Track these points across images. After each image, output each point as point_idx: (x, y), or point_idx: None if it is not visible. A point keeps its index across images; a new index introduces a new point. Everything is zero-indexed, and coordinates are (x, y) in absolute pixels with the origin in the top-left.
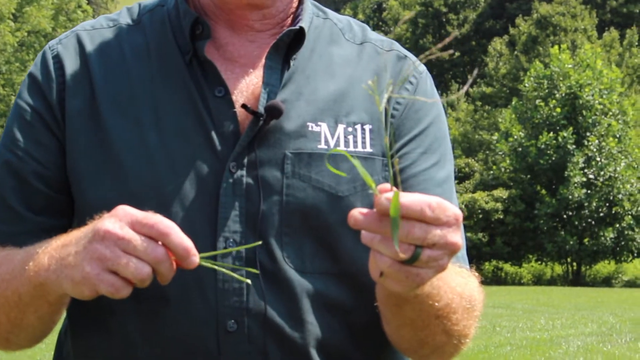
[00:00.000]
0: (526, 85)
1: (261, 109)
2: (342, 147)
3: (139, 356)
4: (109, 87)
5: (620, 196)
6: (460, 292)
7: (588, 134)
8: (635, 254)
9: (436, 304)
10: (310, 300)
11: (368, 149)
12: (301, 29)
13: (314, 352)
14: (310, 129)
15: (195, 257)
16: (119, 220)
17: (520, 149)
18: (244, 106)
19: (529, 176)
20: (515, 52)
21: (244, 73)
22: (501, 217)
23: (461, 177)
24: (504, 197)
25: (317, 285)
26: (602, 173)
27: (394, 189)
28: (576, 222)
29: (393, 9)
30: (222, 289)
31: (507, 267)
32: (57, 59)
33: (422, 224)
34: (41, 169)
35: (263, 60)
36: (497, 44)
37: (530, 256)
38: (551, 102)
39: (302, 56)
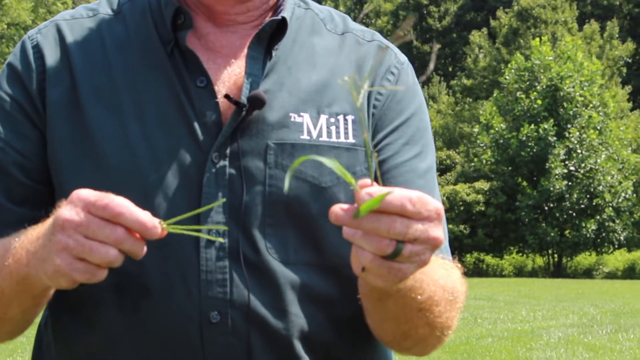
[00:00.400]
0: (507, 77)
1: (244, 100)
2: (324, 138)
3: (120, 348)
4: (90, 77)
5: (600, 188)
6: (442, 284)
7: (569, 126)
8: (616, 246)
9: (419, 297)
10: (294, 292)
11: (351, 140)
12: (283, 19)
13: (297, 344)
14: (292, 119)
15: (156, 229)
16: (75, 207)
17: (501, 141)
18: (226, 96)
19: (510, 168)
20: (496, 45)
21: (225, 63)
22: (482, 209)
23: (442, 169)
24: (485, 189)
25: (301, 276)
26: (582, 165)
27: (374, 183)
28: (557, 214)
29: (374, 1)
30: (205, 280)
31: (489, 259)
32: (37, 49)
33: (403, 219)
34: (22, 159)
35: (245, 51)
36: (476, 37)
37: (512, 248)
38: (532, 94)
39: (283, 46)
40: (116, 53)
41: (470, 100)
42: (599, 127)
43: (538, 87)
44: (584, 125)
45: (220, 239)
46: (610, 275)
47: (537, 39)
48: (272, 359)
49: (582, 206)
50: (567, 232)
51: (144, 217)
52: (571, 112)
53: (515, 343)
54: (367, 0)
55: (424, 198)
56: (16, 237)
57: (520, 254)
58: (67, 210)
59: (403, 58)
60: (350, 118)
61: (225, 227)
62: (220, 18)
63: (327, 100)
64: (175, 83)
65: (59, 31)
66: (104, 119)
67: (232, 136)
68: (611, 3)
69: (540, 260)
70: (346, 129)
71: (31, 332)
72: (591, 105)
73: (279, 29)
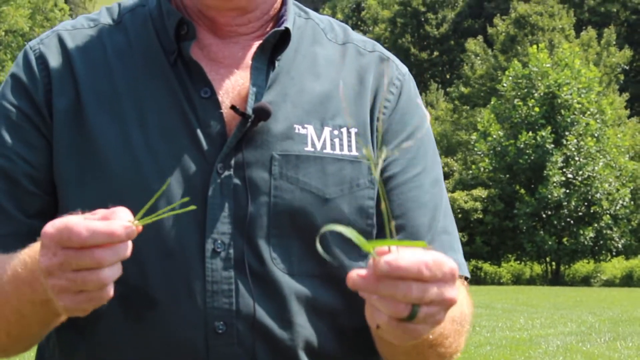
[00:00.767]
0: (504, 84)
1: (249, 111)
2: (328, 150)
3: (125, 358)
4: (92, 85)
5: (598, 195)
6: (452, 316)
7: (567, 133)
8: (614, 253)
9: (430, 336)
10: (299, 303)
11: (354, 152)
12: (287, 30)
13: (302, 355)
14: (297, 131)
15: (129, 231)
16: (48, 249)
17: (499, 149)
18: (233, 107)
19: (507, 176)
20: (494, 52)
21: (229, 74)
22: (480, 216)
23: None
24: (483, 196)
25: (305, 287)
26: (580, 172)
27: (391, 248)
28: (555, 222)
29: (372, 8)
30: (210, 291)
31: (487, 267)
32: (41, 59)
33: (419, 284)
34: (32, 170)
35: (248, 61)
36: (472, 45)
37: (510, 256)
38: (530, 102)
39: (286, 57)
40: (118, 62)
41: (468, 107)
42: (596, 135)
43: (535, 95)
44: (581, 132)
45: (193, 206)
46: (608, 283)
47: (535, 46)
48: None
49: (580, 214)
50: (565, 239)
51: (112, 227)
52: (569, 120)
53: (513, 351)
54: (365, 7)
55: (439, 260)
56: (24, 259)
57: (518, 262)
58: (44, 257)
59: (404, 69)
60: (353, 131)
61: (186, 199)
62: (222, 29)
63: (330, 112)
64: (178, 93)
65: (61, 41)
66: (106, 126)
67: (236, 147)
68: (608, 10)
69: (538, 268)
70: (349, 141)
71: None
72: (589, 112)
73: (282, 39)
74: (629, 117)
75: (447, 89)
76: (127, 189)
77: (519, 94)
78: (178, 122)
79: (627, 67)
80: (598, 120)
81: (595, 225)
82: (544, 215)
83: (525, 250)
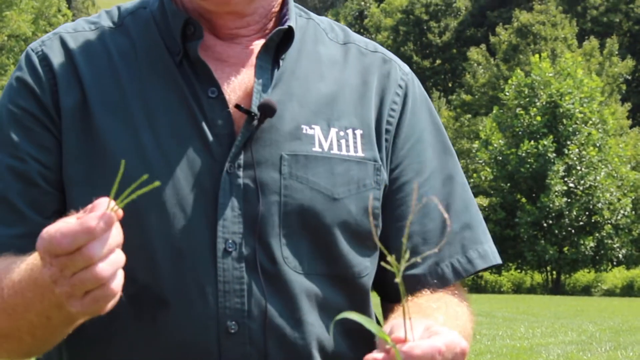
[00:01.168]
0: (507, 93)
1: (254, 109)
2: (335, 151)
3: (137, 359)
4: (99, 88)
5: (600, 205)
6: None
7: (568, 142)
8: (615, 263)
9: None
10: (310, 301)
11: (360, 153)
12: (290, 29)
13: (314, 353)
14: (304, 131)
15: (107, 219)
16: (45, 261)
17: (500, 158)
18: (237, 106)
19: (509, 184)
20: (496, 61)
21: (234, 73)
22: None
23: None
24: (484, 205)
25: (315, 286)
26: (582, 182)
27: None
28: (556, 231)
29: (374, 16)
30: (222, 291)
31: (487, 275)
32: (45, 61)
33: None
34: (46, 171)
35: (252, 60)
36: (474, 53)
37: (510, 264)
38: (532, 111)
39: (289, 56)
40: (122, 64)
41: (470, 116)
42: (598, 144)
43: (538, 104)
44: (583, 142)
45: (157, 183)
46: (609, 293)
47: (537, 55)
48: None
49: (581, 223)
50: (565, 249)
51: (85, 224)
52: (570, 129)
53: None
54: (368, 15)
55: (451, 344)
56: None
57: (519, 271)
58: (44, 268)
59: (406, 68)
60: (358, 133)
61: (145, 177)
62: (222, 31)
63: (336, 113)
64: (185, 93)
65: (64, 43)
66: (115, 130)
67: (244, 146)
68: (611, 20)
69: (538, 277)
70: (355, 142)
71: None
72: (590, 122)
73: (285, 38)
74: (631, 127)
75: (449, 97)
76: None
77: (521, 102)
78: (186, 122)
79: (630, 77)
80: (600, 130)
81: (597, 234)
82: (545, 225)
83: (526, 259)
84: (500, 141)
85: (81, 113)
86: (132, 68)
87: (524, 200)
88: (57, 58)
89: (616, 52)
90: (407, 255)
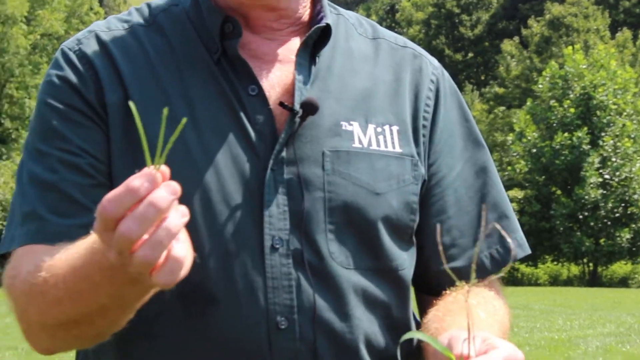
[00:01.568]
0: (540, 85)
1: (297, 106)
2: (374, 147)
3: (184, 356)
4: (139, 86)
5: (635, 197)
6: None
7: (603, 134)
8: None
9: None
10: (356, 296)
11: (398, 149)
12: (328, 26)
13: (362, 347)
14: (343, 127)
15: (142, 179)
16: (106, 243)
17: (534, 150)
18: (281, 104)
19: (544, 177)
20: (528, 53)
21: (271, 70)
22: (517, 217)
23: None
24: (519, 197)
25: (361, 281)
26: (617, 173)
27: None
28: (592, 223)
29: (406, 10)
30: (272, 287)
31: (523, 268)
32: (85, 59)
33: None
34: (98, 163)
35: (288, 57)
36: (507, 46)
37: (547, 257)
38: (565, 103)
39: (324, 53)
40: (161, 63)
41: (503, 108)
42: (633, 136)
43: (571, 95)
44: (617, 133)
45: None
46: None
47: (570, 47)
48: None
49: (617, 215)
50: (602, 240)
51: (131, 183)
52: (605, 120)
53: (552, 352)
54: (399, 9)
55: (509, 357)
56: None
57: (555, 263)
58: (109, 253)
59: (436, 63)
60: (395, 129)
61: (184, 120)
62: (256, 25)
63: (372, 110)
64: (226, 91)
65: (101, 41)
66: (158, 126)
67: (286, 143)
68: None
69: (575, 269)
70: (392, 138)
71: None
72: (625, 113)
73: (322, 35)
74: None
75: (482, 90)
76: (183, 188)
77: (555, 94)
78: (229, 120)
79: None
80: (634, 121)
81: (633, 226)
82: (580, 217)
83: (562, 251)
84: (534, 133)
85: (124, 110)
86: (171, 66)
87: (559, 192)
88: (96, 56)
89: None
90: (473, 266)
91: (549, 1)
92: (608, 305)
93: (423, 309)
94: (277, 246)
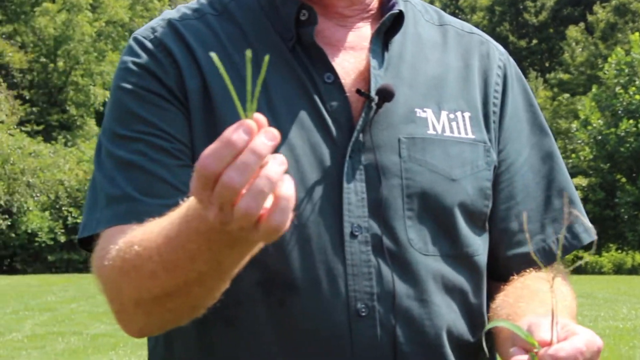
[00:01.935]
0: (606, 72)
1: (373, 93)
2: (448, 133)
3: (267, 346)
4: (217, 73)
5: None
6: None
7: None
8: None
9: None
10: (435, 283)
11: (470, 135)
12: (400, 13)
13: (441, 334)
14: (418, 114)
15: (236, 129)
16: (204, 202)
17: (599, 137)
18: (358, 91)
19: (608, 164)
20: (594, 39)
21: (346, 57)
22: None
23: None
24: (584, 185)
25: (439, 267)
26: None
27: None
28: None
29: None
30: (351, 274)
31: (587, 256)
32: (162, 46)
33: None
34: (182, 146)
35: (362, 44)
36: (573, 32)
37: (611, 245)
38: (631, 89)
39: (396, 40)
40: (235, 50)
41: (568, 95)
42: None
43: (637, 82)
44: None
45: None
46: None
47: (637, 33)
48: (417, 350)
49: None
50: None
51: (226, 135)
52: None
53: (617, 341)
54: None
55: (589, 343)
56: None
57: (620, 251)
58: (208, 212)
59: (502, 49)
60: (467, 115)
61: (267, 57)
62: (329, 11)
63: (444, 96)
64: (302, 78)
65: (175, 29)
66: (237, 114)
67: (363, 130)
68: None
69: None
70: (465, 125)
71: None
72: None
73: (394, 21)
74: None
75: (546, 77)
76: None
77: (620, 81)
78: (306, 108)
79: None
80: None
81: None
82: None
83: (626, 239)
84: (599, 120)
85: (204, 97)
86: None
87: (623, 180)
88: (173, 44)
89: None
90: (558, 260)
91: None
92: None
93: (490, 294)
94: (357, 233)
